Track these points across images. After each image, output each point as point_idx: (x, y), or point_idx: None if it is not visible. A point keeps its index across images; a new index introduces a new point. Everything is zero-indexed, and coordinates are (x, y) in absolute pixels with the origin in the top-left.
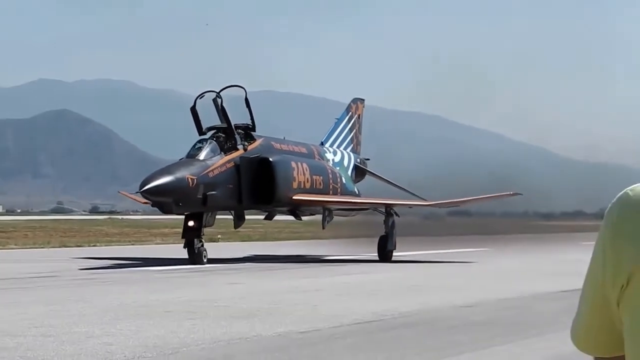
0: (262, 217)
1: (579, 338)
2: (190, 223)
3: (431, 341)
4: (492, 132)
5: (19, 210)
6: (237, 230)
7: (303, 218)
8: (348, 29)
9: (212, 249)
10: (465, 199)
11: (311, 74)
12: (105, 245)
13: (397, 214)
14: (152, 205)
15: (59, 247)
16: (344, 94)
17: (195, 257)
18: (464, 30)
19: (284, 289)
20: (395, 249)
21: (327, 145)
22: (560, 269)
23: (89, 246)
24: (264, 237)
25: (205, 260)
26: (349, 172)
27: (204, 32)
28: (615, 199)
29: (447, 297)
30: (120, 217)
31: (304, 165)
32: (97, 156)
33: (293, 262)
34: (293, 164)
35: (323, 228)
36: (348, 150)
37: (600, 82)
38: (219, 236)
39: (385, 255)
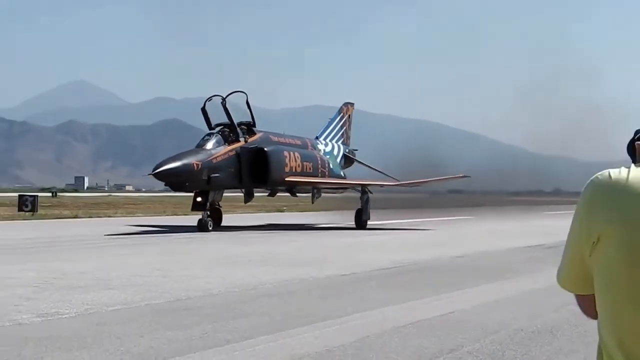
0: (266, 194)
1: (563, 280)
2: (199, 199)
3: (436, 281)
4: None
5: (144, 190)
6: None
7: (299, 195)
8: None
9: (274, 217)
10: (424, 180)
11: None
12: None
13: (370, 192)
14: (165, 185)
15: (172, 215)
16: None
17: (202, 226)
18: None
19: (327, 245)
20: (369, 219)
21: (321, 138)
22: (527, 231)
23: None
24: (312, 208)
25: (210, 228)
26: (338, 160)
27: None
28: (588, 181)
29: (445, 251)
30: None
31: (296, 154)
32: None
33: (322, 229)
34: (285, 153)
35: (312, 203)
36: (339, 143)
37: None
38: (284, 208)
39: (360, 224)
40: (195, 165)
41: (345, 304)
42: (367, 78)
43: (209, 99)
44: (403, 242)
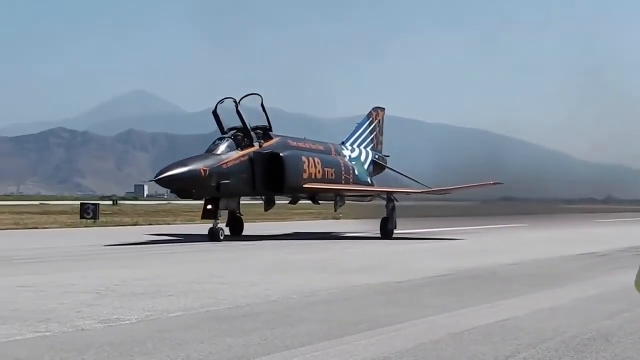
0: (287, 201)
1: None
2: (209, 207)
3: (489, 289)
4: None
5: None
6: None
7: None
8: None
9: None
10: (453, 187)
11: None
12: (263, 221)
13: (396, 200)
14: (171, 192)
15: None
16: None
17: (213, 235)
18: None
19: (381, 252)
20: (395, 228)
21: (347, 144)
22: (579, 238)
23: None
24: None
25: (221, 237)
26: (366, 166)
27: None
28: None
29: (498, 259)
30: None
31: (316, 159)
32: None
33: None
34: (304, 158)
35: (335, 211)
36: (367, 148)
37: None
38: (340, 215)
39: (386, 233)
40: (202, 171)
41: (401, 311)
42: (421, 86)
43: (221, 101)
44: (456, 249)
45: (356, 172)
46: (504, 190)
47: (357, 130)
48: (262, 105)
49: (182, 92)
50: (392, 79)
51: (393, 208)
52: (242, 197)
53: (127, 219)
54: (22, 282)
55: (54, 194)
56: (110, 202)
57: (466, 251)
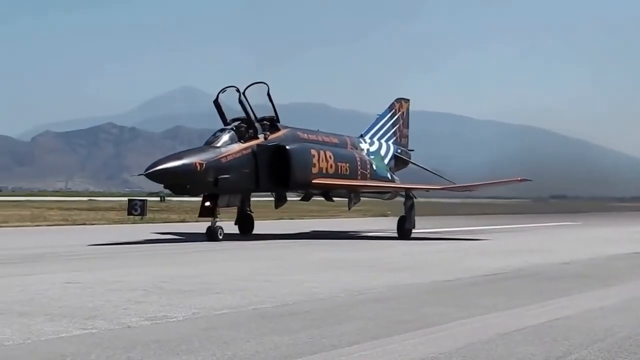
0: (298, 198)
1: None
2: (207, 204)
3: (539, 288)
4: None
5: None
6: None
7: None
8: None
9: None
10: (476, 183)
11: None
12: (310, 219)
13: (415, 197)
14: (164, 187)
15: (277, 219)
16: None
17: (211, 234)
18: None
19: (429, 251)
20: (414, 227)
21: (366, 137)
22: (631, 237)
23: (297, 218)
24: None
25: (221, 237)
26: (386, 161)
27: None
28: None
29: (549, 258)
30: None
31: (328, 153)
32: None
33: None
34: (313, 151)
35: (349, 209)
36: (389, 142)
37: None
38: (389, 212)
39: (404, 233)
40: (198, 165)
41: (450, 310)
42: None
43: (223, 90)
44: (506, 248)
45: (374, 167)
46: (555, 188)
47: (378, 123)
48: (268, 94)
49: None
50: (443, 75)
51: (412, 206)
52: (253, 194)
53: (174, 216)
54: (70, 278)
55: (101, 190)
56: (157, 199)
57: (516, 250)
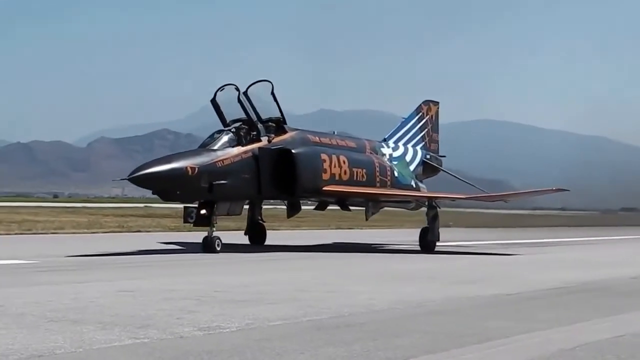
0: (312, 207)
1: None
2: (202, 211)
3: (604, 303)
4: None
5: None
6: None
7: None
8: None
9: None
10: (507, 192)
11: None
12: (362, 229)
13: (438, 206)
14: (153, 193)
15: (335, 229)
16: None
17: (207, 245)
18: None
19: (493, 263)
20: (438, 239)
21: (390, 141)
22: None
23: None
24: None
25: (218, 248)
26: (412, 167)
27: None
28: None
29: (618, 271)
30: None
31: (341, 157)
32: None
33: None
34: (324, 156)
35: (366, 219)
36: (417, 147)
37: None
38: (451, 223)
39: (427, 245)
40: (189, 169)
41: (510, 324)
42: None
43: (221, 88)
44: (573, 260)
45: (395, 174)
46: (625, 201)
47: (404, 126)
48: (272, 93)
49: (289, 95)
50: (504, 83)
51: (435, 216)
52: (265, 201)
53: (231, 224)
54: (123, 286)
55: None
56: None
57: (582, 263)
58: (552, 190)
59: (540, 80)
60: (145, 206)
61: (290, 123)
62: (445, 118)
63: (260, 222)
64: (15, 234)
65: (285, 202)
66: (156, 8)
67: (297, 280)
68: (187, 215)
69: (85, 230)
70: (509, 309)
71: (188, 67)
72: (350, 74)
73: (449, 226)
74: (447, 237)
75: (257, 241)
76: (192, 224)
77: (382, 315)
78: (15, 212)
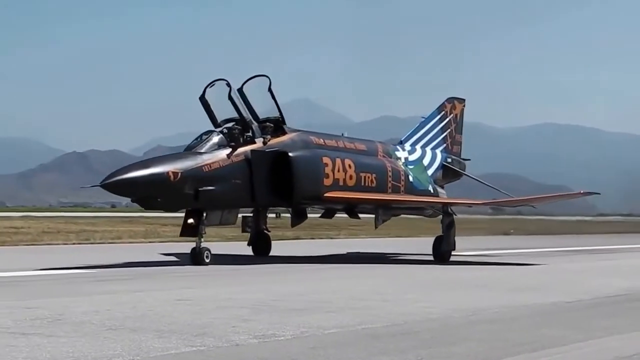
0: (318, 215)
1: None
2: (189, 221)
3: None
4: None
5: None
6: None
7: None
8: None
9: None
10: (530, 196)
11: None
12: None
13: (454, 213)
14: (132, 201)
15: (394, 237)
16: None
17: (195, 257)
18: None
19: (551, 271)
20: (454, 249)
21: (406, 143)
22: None
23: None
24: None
25: (207, 260)
26: (431, 171)
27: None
28: None
29: None
30: None
31: (347, 161)
32: None
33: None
34: (326, 159)
35: (375, 227)
36: (437, 149)
37: None
38: (512, 231)
39: (441, 255)
40: (171, 174)
41: (568, 332)
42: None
43: (211, 84)
44: (632, 268)
45: (410, 179)
46: None
47: (423, 127)
48: (269, 90)
49: (348, 102)
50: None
51: (450, 224)
52: (269, 209)
53: (288, 233)
54: (181, 295)
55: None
56: (273, 215)
57: None
58: (580, 193)
59: (601, 82)
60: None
61: (348, 131)
62: (504, 123)
63: (265, 231)
64: (73, 243)
65: (290, 210)
66: (212, 13)
67: (351, 288)
68: (245, 224)
69: (143, 240)
70: (566, 317)
71: (244, 73)
72: (411, 76)
73: (510, 234)
74: (503, 245)
75: (261, 252)
76: (248, 233)
77: (437, 324)
78: (73, 222)
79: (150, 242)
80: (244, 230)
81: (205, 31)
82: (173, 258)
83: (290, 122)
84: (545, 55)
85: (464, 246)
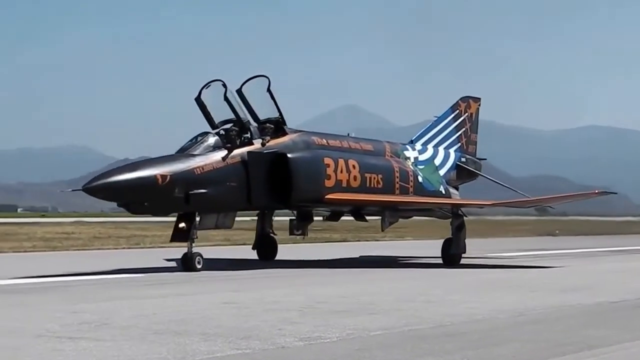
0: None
1: None
2: (181, 225)
3: None
4: None
5: None
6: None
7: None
8: None
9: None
10: (544, 197)
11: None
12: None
13: (465, 215)
14: (118, 206)
15: (440, 238)
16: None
17: (186, 262)
18: None
19: (596, 271)
20: (464, 252)
21: (417, 143)
22: None
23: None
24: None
25: (199, 266)
26: (443, 171)
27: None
28: None
29: None
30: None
31: (351, 162)
32: None
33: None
34: (327, 160)
35: (382, 230)
36: (451, 149)
37: None
38: (557, 231)
39: (450, 258)
40: (159, 177)
41: (613, 332)
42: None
43: (207, 85)
44: None
45: (420, 180)
46: None
47: (435, 126)
48: (269, 90)
49: (392, 107)
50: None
51: (460, 226)
52: (275, 212)
53: (336, 235)
54: (227, 298)
55: None
56: (320, 218)
57: None
58: (595, 193)
59: None
60: (252, 219)
61: (393, 136)
62: (548, 125)
63: (271, 234)
64: (123, 248)
65: (294, 213)
66: (246, 14)
67: (394, 290)
68: (293, 227)
69: None
70: (612, 317)
71: (287, 76)
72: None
73: (555, 234)
74: (550, 246)
75: (267, 256)
76: (297, 236)
77: (483, 325)
78: (123, 227)
79: (199, 246)
80: (291, 233)
81: (243, 32)
82: (218, 262)
83: (337, 127)
84: (587, 58)
85: (510, 247)
